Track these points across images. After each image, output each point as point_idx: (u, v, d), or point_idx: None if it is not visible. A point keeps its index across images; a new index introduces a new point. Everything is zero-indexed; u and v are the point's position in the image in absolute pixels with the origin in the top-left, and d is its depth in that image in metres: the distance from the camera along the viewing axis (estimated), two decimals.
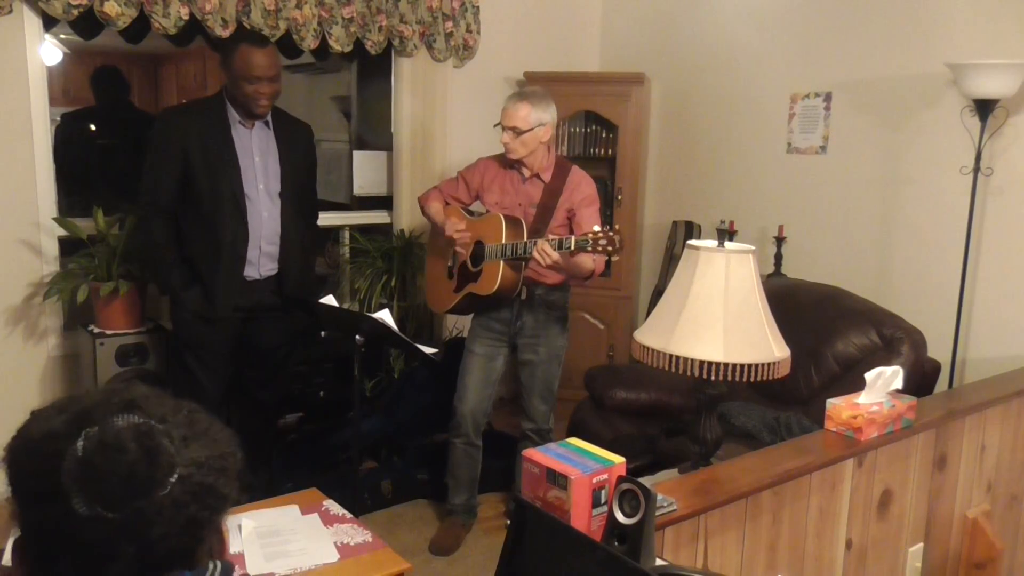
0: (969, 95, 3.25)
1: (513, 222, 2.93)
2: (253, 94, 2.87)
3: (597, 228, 2.64)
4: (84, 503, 0.82)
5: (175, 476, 0.85)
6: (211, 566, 0.91)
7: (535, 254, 2.72)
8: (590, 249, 2.62)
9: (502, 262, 2.89)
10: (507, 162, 3.06)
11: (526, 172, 3.02)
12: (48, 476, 0.83)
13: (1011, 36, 3.32)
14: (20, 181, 3.22)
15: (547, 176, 3.02)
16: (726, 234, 2.01)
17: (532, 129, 2.91)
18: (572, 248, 2.66)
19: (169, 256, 2.96)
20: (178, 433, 0.88)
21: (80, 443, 0.84)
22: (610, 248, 2.59)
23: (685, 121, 4.62)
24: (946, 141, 3.53)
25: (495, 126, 2.99)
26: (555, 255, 2.68)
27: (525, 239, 2.87)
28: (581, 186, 3.00)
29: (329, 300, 2.86)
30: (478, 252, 3.00)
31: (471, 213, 3.17)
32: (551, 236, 2.79)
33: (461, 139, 4.34)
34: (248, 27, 3.42)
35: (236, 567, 0.96)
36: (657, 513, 1.55)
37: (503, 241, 2.88)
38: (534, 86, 3.33)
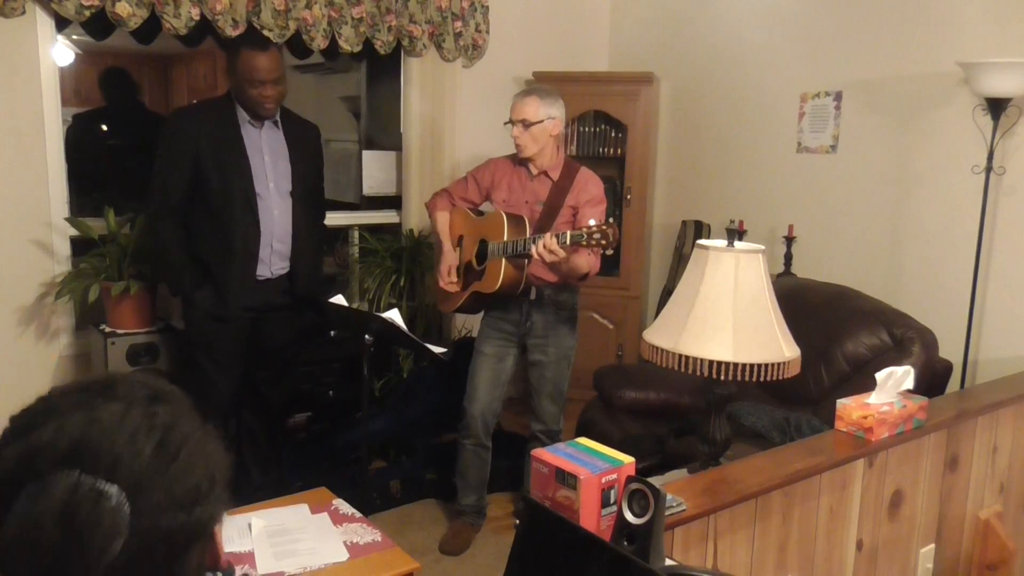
0: (981, 94, 3.23)
1: (515, 220, 2.94)
2: (258, 97, 2.88)
3: (593, 222, 2.62)
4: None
5: (122, 538, 0.75)
6: None
7: (534, 252, 2.71)
8: (584, 243, 2.61)
9: (504, 260, 2.89)
10: (516, 161, 3.06)
11: (534, 169, 3.02)
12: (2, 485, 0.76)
13: (1023, 34, 3.30)
14: (32, 181, 3.24)
15: (555, 175, 3.02)
16: (735, 234, 2.00)
17: (541, 122, 2.92)
18: (568, 242, 2.65)
19: (180, 257, 2.97)
20: (131, 479, 0.77)
21: (10, 515, 0.75)
22: (604, 242, 2.58)
23: (694, 120, 4.61)
24: (958, 140, 3.51)
25: (506, 124, 2.99)
26: (560, 251, 2.66)
27: (527, 236, 2.88)
28: (588, 186, 3.00)
29: (338, 300, 2.86)
30: (483, 250, 3.01)
31: (480, 214, 3.17)
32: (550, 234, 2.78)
33: (470, 139, 4.34)
34: (258, 27, 3.43)
35: (237, 568, 0.92)
36: (666, 513, 1.54)
37: (505, 239, 2.89)
38: (543, 83, 3.33)
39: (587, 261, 2.85)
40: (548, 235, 2.68)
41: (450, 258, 3.11)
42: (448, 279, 3.10)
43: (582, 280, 3.02)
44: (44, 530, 0.73)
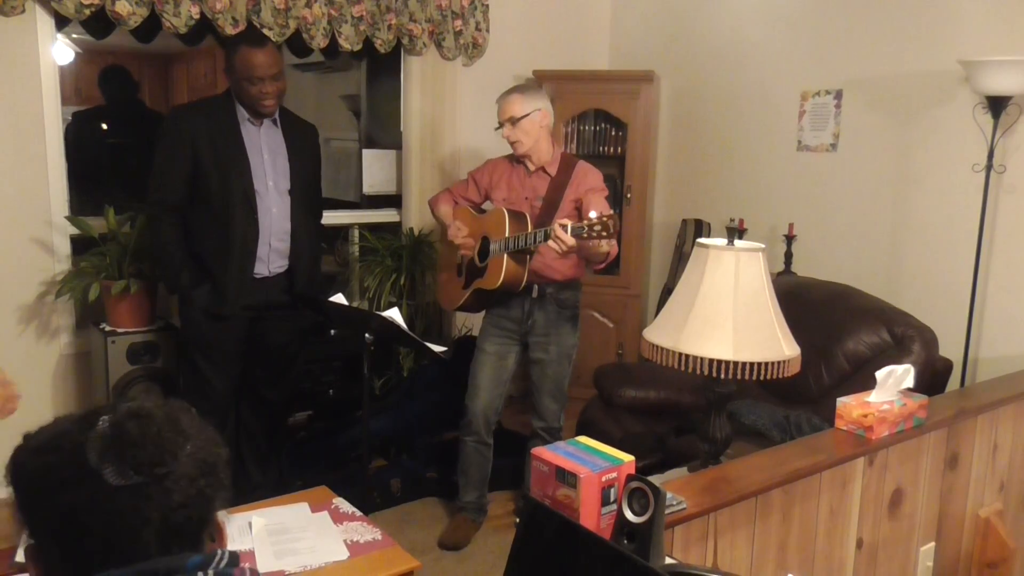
0: (981, 92, 3.23)
1: (516, 216, 2.94)
2: (257, 94, 2.88)
3: (594, 214, 2.61)
4: (116, 473, 0.86)
5: (189, 447, 0.91)
6: (219, 553, 0.94)
7: (550, 243, 2.65)
8: (585, 236, 2.58)
9: (506, 255, 2.89)
10: (514, 160, 3.07)
11: (531, 165, 3.03)
12: (72, 464, 0.87)
13: (1023, 33, 3.30)
14: (32, 180, 3.24)
15: (553, 170, 3.03)
16: (736, 232, 2.01)
17: (528, 115, 2.93)
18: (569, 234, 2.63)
19: (178, 255, 2.97)
20: (182, 427, 0.94)
21: (102, 425, 0.89)
22: (604, 233, 2.55)
23: (695, 119, 4.61)
24: (958, 138, 3.51)
25: (496, 128, 3.01)
26: (571, 240, 2.58)
27: (528, 231, 2.87)
28: (587, 178, 3.00)
29: (338, 298, 2.86)
30: (484, 248, 3.02)
31: (482, 212, 3.18)
32: (559, 223, 2.72)
33: (470, 137, 4.34)
34: (258, 25, 3.43)
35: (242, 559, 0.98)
36: (666, 512, 1.54)
37: (506, 235, 2.89)
38: (524, 82, 3.32)
39: (606, 240, 2.80)
40: (558, 227, 2.62)
41: (459, 219, 3.12)
42: (458, 233, 3.07)
43: (604, 262, 2.94)
44: (152, 412, 0.91)
